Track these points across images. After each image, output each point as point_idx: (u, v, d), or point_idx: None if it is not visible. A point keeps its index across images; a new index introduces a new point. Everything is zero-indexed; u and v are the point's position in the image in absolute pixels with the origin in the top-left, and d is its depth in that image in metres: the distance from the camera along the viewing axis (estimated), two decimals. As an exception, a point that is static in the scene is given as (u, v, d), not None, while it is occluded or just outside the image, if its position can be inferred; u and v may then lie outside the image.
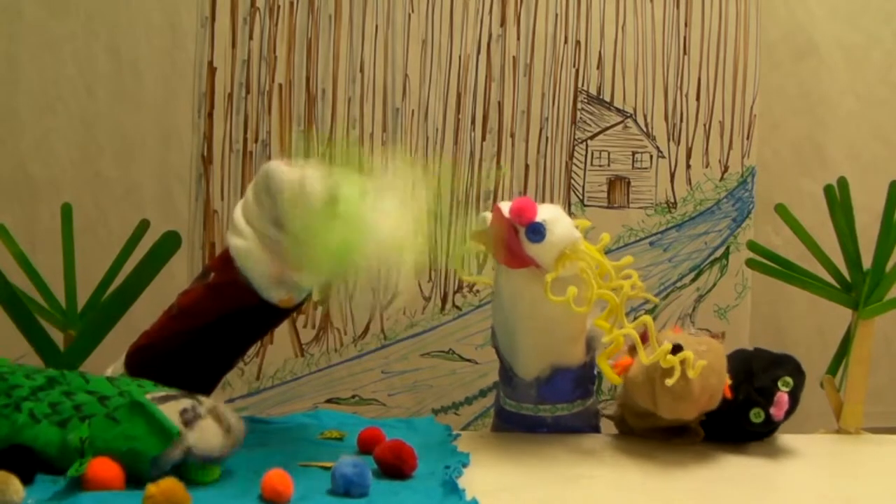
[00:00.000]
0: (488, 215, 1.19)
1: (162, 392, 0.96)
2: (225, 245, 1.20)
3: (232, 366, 1.33)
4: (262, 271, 1.14)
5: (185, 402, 0.94)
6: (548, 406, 1.25)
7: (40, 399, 0.97)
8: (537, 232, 1.13)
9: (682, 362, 1.13)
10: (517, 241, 1.14)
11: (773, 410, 1.21)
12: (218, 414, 0.96)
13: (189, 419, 0.93)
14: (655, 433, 1.25)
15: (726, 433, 1.25)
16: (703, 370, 1.14)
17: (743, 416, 1.22)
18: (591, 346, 1.26)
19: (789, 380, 1.23)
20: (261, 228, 1.14)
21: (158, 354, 1.22)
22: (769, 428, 1.24)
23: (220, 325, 1.17)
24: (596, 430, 1.31)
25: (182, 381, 1.20)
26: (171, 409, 0.93)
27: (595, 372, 1.30)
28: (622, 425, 1.31)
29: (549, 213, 1.16)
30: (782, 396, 1.21)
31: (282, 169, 1.13)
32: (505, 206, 1.16)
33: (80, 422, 0.94)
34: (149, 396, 0.94)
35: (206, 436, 0.93)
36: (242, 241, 1.15)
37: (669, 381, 1.12)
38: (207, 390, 1.30)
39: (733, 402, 1.21)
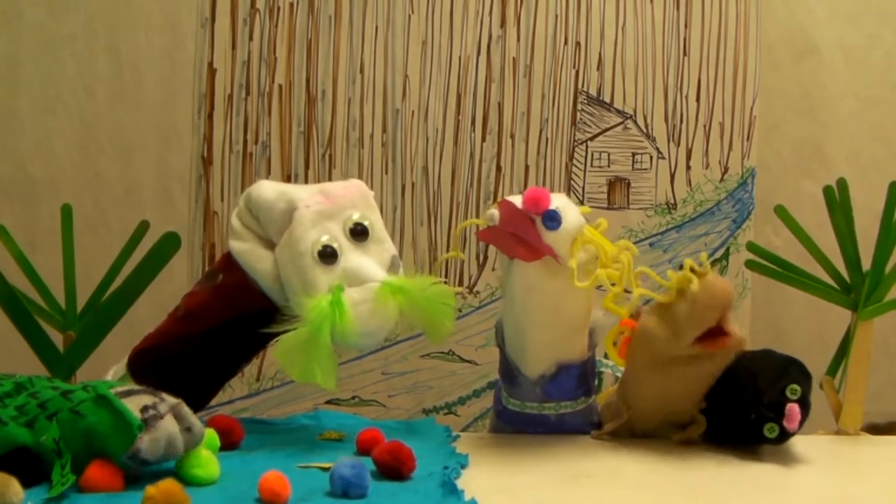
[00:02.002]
0: (495, 213, 1.18)
1: (125, 388, 0.96)
2: (227, 247, 1.20)
3: (235, 372, 1.33)
4: (265, 268, 1.14)
5: (147, 399, 0.93)
6: (552, 404, 1.25)
7: (7, 405, 0.96)
8: (554, 219, 1.14)
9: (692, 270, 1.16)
10: (534, 231, 1.14)
11: (786, 423, 1.18)
12: (179, 413, 0.94)
13: (149, 417, 0.92)
14: (661, 428, 1.25)
15: (734, 439, 1.24)
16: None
17: (757, 433, 1.20)
18: (592, 338, 1.26)
19: (797, 388, 1.20)
20: (258, 232, 1.15)
21: (162, 356, 1.22)
22: (785, 439, 1.22)
23: (227, 329, 1.17)
24: (597, 427, 1.31)
25: (185, 384, 1.20)
26: (133, 404, 0.93)
27: (596, 368, 1.31)
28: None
29: (560, 200, 1.17)
30: (793, 408, 1.18)
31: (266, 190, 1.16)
32: (515, 200, 1.16)
33: (46, 421, 0.94)
34: (112, 391, 0.94)
35: (161, 436, 0.92)
36: (242, 243, 1.16)
37: (706, 272, 1.15)
38: (209, 395, 1.30)
39: (746, 422, 1.20)
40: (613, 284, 1.18)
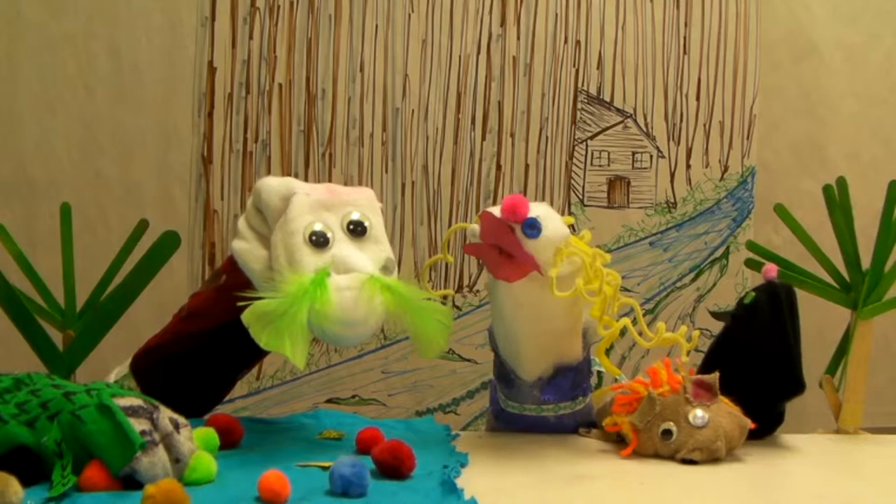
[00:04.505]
0: (476, 227, 1.18)
1: (127, 400, 0.94)
2: (230, 245, 1.20)
3: (237, 377, 1.32)
4: (261, 270, 1.13)
5: (145, 423, 0.93)
6: (551, 405, 1.25)
7: (7, 401, 0.95)
8: (534, 227, 1.11)
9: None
10: (514, 240, 1.13)
11: (765, 273, 1.25)
12: (170, 443, 0.94)
13: (146, 443, 0.91)
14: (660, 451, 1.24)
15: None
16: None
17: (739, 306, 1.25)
18: (586, 339, 1.26)
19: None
20: (262, 232, 1.15)
21: (165, 356, 1.22)
22: (756, 302, 1.25)
23: (228, 331, 1.17)
24: (594, 426, 1.31)
25: (187, 385, 1.20)
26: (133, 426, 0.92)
27: (594, 367, 1.31)
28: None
29: (541, 209, 1.15)
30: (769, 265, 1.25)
31: (272, 185, 1.14)
32: (495, 210, 1.14)
33: (48, 421, 0.93)
34: (116, 400, 0.93)
35: (157, 462, 0.92)
36: (244, 242, 1.15)
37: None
38: (212, 399, 1.30)
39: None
40: (592, 294, 1.16)
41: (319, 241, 1.07)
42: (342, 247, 1.08)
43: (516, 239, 1.12)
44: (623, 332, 1.19)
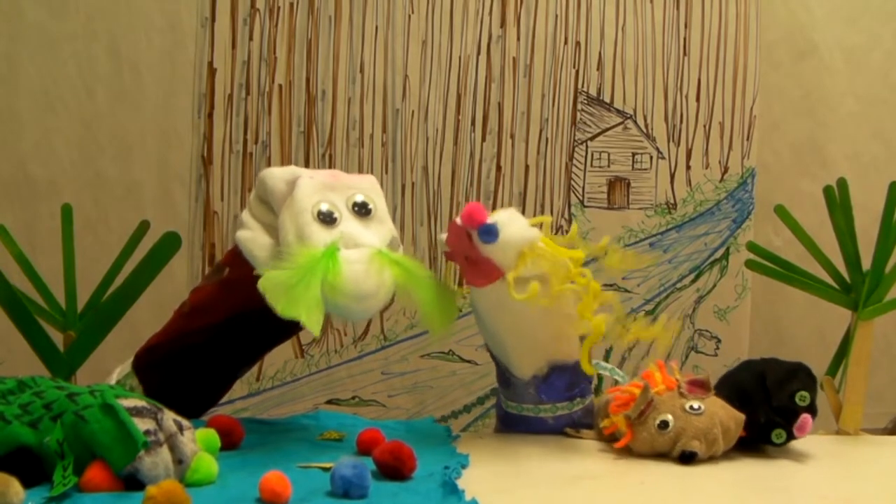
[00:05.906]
0: (445, 236, 1.19)
1: (131, 401, 0.95)
2: (230, 244, 1.20)
3: (238, 374, 1.32)
4: (265, 257, 1.13)
5: (149, 423, 0.93)
6: (548, 406, 1.25)
7: (10, 402, 0.95)
8: (489, 232, 1.13)
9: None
10: (472, 246, 1.15)
11: (796, 432, 1.20)
12: (174, 444, 0.94)
13: (149, 442, 0.91)
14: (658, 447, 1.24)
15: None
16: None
17: (764, 437, 1.21)
18: (582, 340, 1.26)
19: (806, 395, 1.21)
20: (266, 221, 1.15)
21: (167, 354, 1.22)
22: (787, 442, 1.23)
23: (231, 326, 1.17)
24: (589, 427, 1.31)
25: (188, 383, 1.20)
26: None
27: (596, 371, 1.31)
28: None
29: (502, 215, 1.16)
30: (806, 419, 1.19)
31: (275, 175, 1.14)
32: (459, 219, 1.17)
33: (51, 422, 0.93)
34: (119, 401, 0.93)
35: (160, 462, 0.92)
36: (248, 231, 1.16)
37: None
38: (213, 396, 1.30)
39: (755, 424, 1.20)
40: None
41: (327, 220, 1.08)
42: (349, 224, 1.09)
43: (474, 246, 1.15)
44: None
